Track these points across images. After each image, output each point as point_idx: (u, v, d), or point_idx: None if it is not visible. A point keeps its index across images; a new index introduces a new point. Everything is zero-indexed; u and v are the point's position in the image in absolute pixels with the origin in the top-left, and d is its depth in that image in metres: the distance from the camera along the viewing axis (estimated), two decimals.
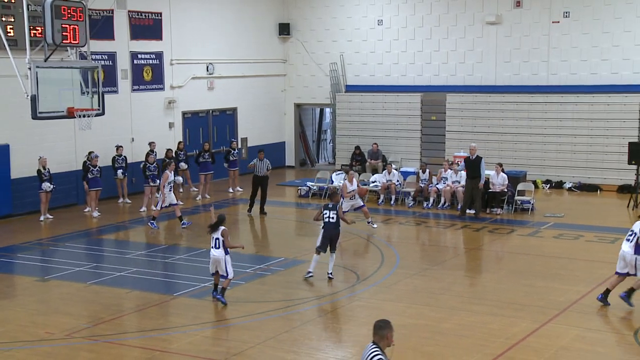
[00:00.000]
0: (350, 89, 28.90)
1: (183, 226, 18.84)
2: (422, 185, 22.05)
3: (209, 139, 26.34)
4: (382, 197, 22.29)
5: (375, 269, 14.83)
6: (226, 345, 10.80)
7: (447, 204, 21.40)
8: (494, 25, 26.13)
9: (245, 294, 13.07)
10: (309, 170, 29.09)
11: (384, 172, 23.28)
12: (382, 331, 6.57)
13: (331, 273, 13.95)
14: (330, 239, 13.96)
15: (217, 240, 12.41)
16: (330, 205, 14.09)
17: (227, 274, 12.38)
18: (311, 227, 19.77)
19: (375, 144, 26.43)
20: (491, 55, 26.40)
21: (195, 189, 23.80)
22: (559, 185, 24.56)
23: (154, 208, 19.48)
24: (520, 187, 21.22)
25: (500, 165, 21.09)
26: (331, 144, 31.00)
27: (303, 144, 31.04)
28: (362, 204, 19.02)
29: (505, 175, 20.81)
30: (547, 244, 17.09)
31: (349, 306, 12.52)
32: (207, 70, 26.66)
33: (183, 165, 23.13)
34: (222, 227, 12.42)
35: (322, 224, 14.05)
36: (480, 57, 26.57)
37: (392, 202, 22.01)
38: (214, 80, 26.95)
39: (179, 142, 24.10)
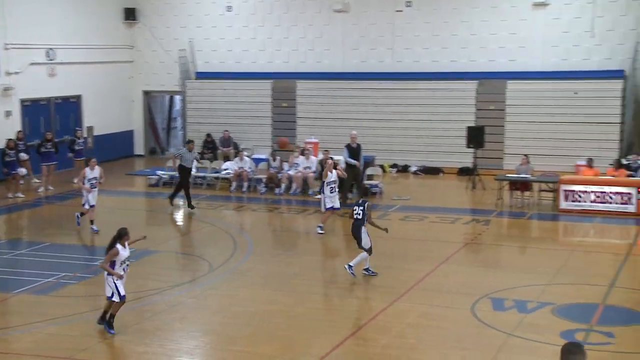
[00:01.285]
0: (201, 75, 28.53)
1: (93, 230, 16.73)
2: (273, 171, 22.20)
3: (51, 127, 25.12)
4: (234, 184, 22.22)
5: (228, 256, 14.78)
6: (73, 342, 10.37)
7: (298, 190, 21.68)
8: (341, 13, 26.66)
9: (94, 287, 12.61)
10: (159, 159, 28.49)
11: (235, 159, 23.20)
12: (573, 357, 5.63)
13: (349, 266, 13.11)
14: (354, 235, 13.35)
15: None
16: (360, 202, 13.55)
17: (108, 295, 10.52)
18: (162, 217, 19.37)
19: (227, 131, 26.29)
20: (339, 42, 26.94)
21: (38, 181, 22.64)
22: (404, 169, 25.52)
23: (85, 207, 16.69)
24: (369, 171, 21.85)
25: None
26: (182, 132, 30.49)
27: (152, 132, 30.33)
28: (338, 206, 17.04)
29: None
30: (395, 226, 17.68)
31: (202, 295, 12.41)
32: (48, 56, 25.37)
33: (23, 155, 21.89)
34: (115, 247, 10.44)
35: None
36: (328, 45, 27.05)
37: (244, 189, 22.01)
38: (56, 67, 25.69)
39: (18, 132, 22.77)
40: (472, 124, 24.03)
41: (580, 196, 18.70)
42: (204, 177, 22.97)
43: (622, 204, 18.26)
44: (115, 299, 10.40)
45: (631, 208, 18.18)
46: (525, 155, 20.68)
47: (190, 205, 19.27)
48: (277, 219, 19.30)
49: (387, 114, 25.95)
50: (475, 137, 22.22)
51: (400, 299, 11.91)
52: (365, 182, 21.35)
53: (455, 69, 25.56)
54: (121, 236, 10.48)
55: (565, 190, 18.84)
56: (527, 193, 19.95)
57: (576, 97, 23.88)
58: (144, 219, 19.59)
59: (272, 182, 22.06)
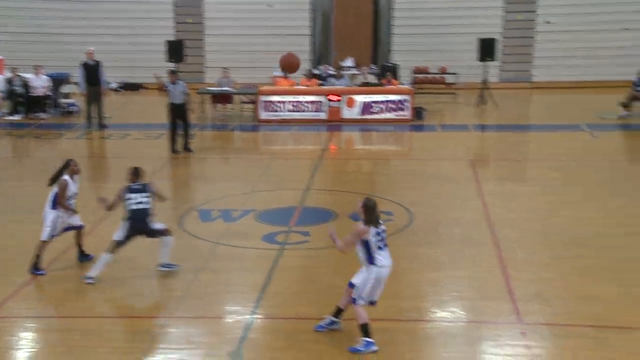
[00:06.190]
0: None
1: None
2: None
3: None
4: None
5: None
6: None
7: None
8: None
9: None
10: None
11: None
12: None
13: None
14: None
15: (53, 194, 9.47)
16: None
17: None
18: None
19: None
20: None
21: None
22: None
23: None
24: (64, 89, 20.76)
25: (40, 67, 20.29)
26: None
27: None
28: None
29: (46, 77, 20.10)
30: (97, 145, 17.17)
31: None
32: None
33: None
34: (63, 178, 9.40)
35: None
36: None
37: None
38: None
39: None
40: (172, 38, 23.79)
41: (278, 106, 19.58)
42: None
43: (315, 111, 19.50)
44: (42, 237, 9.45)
45: (322, 115, 19.52)
46: (226, 68, 21.01)
47: (188, 148, 16.04)
48: None
49: (85, 29, 24.66)
50: (175, 51, 22.08)
51: (101, 222, 11.59)
52: (62, 100, 20.26)
53: None
54: (64, 168, 9.45)
55: (264, 101, 19.59)
56: (228, 105, 20.40)
57: (270, 10, 24.67)
58: None
59: None
